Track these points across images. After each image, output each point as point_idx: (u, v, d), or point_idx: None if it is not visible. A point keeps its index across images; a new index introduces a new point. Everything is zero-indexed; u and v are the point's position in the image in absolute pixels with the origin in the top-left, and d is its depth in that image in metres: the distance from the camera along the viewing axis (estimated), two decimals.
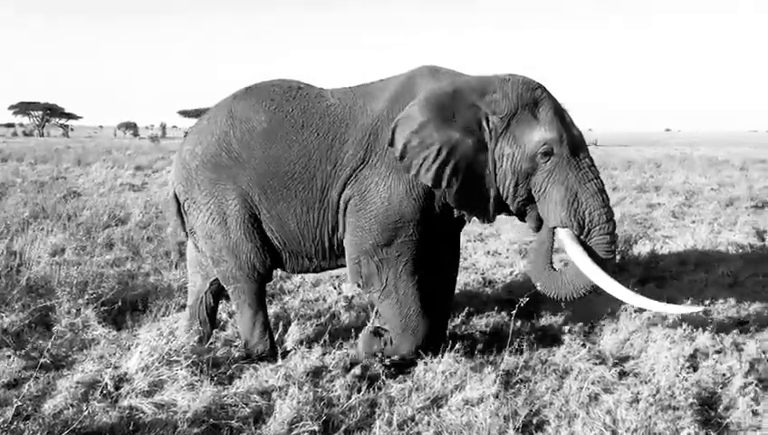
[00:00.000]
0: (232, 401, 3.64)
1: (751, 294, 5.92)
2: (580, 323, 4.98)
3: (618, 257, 3.77)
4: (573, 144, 3.77)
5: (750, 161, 24.39)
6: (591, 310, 5.35)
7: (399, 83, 4.21)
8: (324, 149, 4.09)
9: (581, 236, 3.77)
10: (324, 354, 4.35)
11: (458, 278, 5.33)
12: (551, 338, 4.86)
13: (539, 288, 3.92)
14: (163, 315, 5.12)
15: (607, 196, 3.81)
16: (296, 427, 3.39)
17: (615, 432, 3.35)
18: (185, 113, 57.31)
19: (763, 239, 7.43)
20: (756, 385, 3.86)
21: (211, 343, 4.55)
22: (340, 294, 5.87)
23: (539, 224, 3.94)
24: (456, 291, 5.99)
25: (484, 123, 3.80)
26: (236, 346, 4.67)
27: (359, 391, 3.80)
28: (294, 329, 4.85)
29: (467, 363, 4.14)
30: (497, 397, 3.65)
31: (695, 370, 4.19)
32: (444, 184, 3.79)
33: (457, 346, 4.27)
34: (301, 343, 4.61)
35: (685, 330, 4.65)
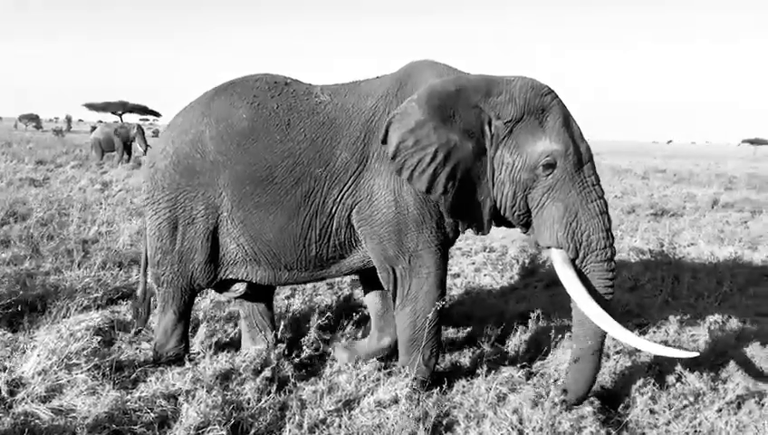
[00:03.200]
0: (136, 405, 3.50)
1: (650, 297, 6.23)
2: (491, 325, 5.08)
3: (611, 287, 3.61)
4: (579, 159, 3.51)
5: (651, 170, 25.68)
6: (502, 312, 5.49)
7: (396, 78, 3.93)
8: (313, 151, 3.77)
9: (577, 261, 3.54)
10: (234, 357, 4.24)
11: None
12: (462, 340, 4.94)
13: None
14: (63, 317, 4.86)
15: (609, 218, 3.57)
16: (204, 432, 3.28)
17: (521, 432, 3.42)
18: (91, 106, 54.93)
19: (662, 245, 7.82)
20: (653, 384, 4.03)
21: (112, 345, 4.37)
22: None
23: None
24: None
25: (486, 127, 3.53)
26: (143, 349, 4.50)
27: (269, 394, 3.73)
28: (203, 330, 4.73)
29: (381, 366, 4.14)
30: (409, 399, 3.67)
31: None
32: (438, 190, 3.52)
33: None
34: (210, 345, 4.48)
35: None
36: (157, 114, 62.62)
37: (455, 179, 3.53)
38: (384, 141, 3.59)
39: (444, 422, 3.61)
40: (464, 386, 4.03)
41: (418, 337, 3.90)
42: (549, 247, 3.60)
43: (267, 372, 3.92)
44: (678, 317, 5.30)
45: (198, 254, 3.98)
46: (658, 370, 4.32)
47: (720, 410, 3.80)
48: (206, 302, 5.65)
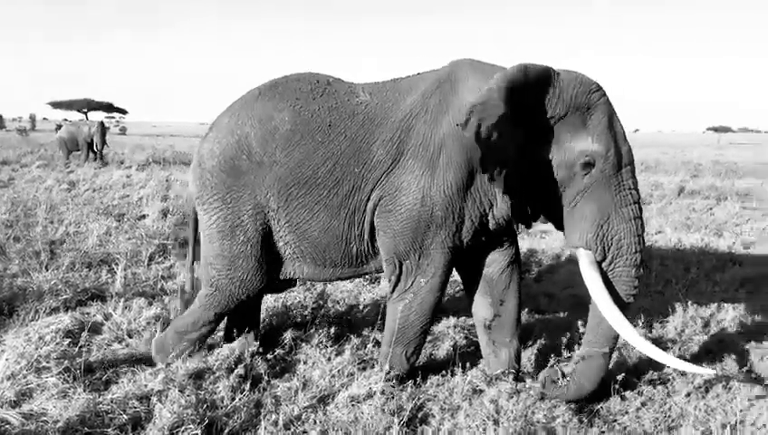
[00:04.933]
0: (108, 407, 3.46)
1: None
2: (464, 318, 5.11)
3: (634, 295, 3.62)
4: (619, 161, 3.47)
5: None
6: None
7: (438, 77, 3.89)
8: (353, 151, 3.80)
9: (603, 263, 3.53)
10: (207, 356, 4.21)
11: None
12: (436, 334, 4.96)
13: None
14: (32, 320, 4.78)
15: (643, 224, 3.54)
16: (178, 432, 3.26)
17: (497, 421, 3.46)
18: (56, 105, 53.98)
19: None
20: (625, 372, 4.09)
21: (82, 347, 4.30)
22: None
23: None
24: (343, 286, 6.03)
25: (538, 120, 3.50)
26: (114, 350, 4.45)
27: (243, 392, 3.72)
28: None
29: (356, 360, 4.14)
30: (383, 393, 3.68)
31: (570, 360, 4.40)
32: (500, 186, 3.54)
33: (347, 345, 4.28)
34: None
35: (561, 322, 4.88)
36: (123, 111, 61.69)
37: (508, 163, 3.48)
38: (464, 128, 3.44)
39: (419, 415, 3.63)
40: (438, 380, 4.05)
41: (407, 332, 3.91)
42: (577, 248, 3.58)
43: (240, 370, 3.91)
44: (648, 304, 5.40)
45: (249, 258, 3.98)
46: (629, 357, 4.39)
47: (689, 394, 3.89)
48: (178, 302, 5.58)
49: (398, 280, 3.89)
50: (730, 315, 5.32)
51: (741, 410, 3.63)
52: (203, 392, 3.70)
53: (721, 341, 4.82)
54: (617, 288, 3.53)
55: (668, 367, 4.13)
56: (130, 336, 4.66)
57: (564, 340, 4.53)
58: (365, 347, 4.46)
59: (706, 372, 3.58)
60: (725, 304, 5.62)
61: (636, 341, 3.47)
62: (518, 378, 4.04)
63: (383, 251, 3.90)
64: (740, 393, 3.89)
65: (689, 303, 5.43)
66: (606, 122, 3.47)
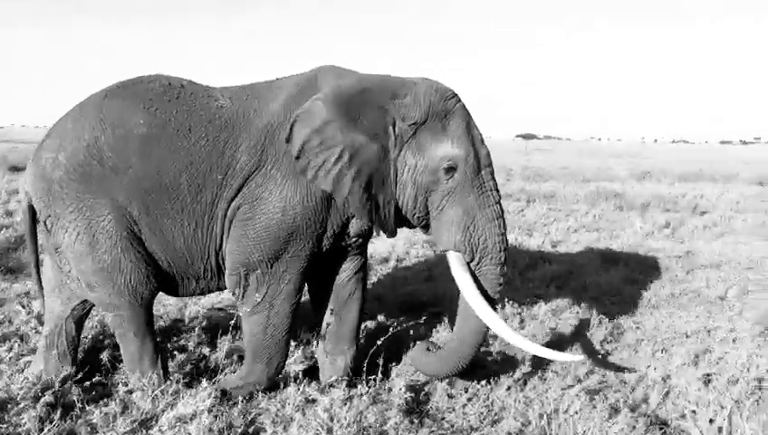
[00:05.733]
0: None
1: (444, 287, 6.51)
2: (304, 327, 5.04)
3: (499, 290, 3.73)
4: (479, 164, 3.55)
5: None
6: (306, 315, 5.45)
7: (299, 82, 3.78)
8: (215, 157, 3.58)
9: (471, 263, 3.59)
10: (10, 384, 3.77)
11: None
12: None
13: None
14: None
15: (505, 223, 3.64)
16: None
17: (331, 430, 3.42)
18: None
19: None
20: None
21: None
22: (29, 314, 5.16)
23: None
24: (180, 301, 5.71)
25: (391, 129, 3.49)
26: None
27: (51, 422, 3.36)
28: None
29: (181, 378, 3.91)
30: (211, 411, 3.50)
31: (399, 361, 4.48)
32: (344, 191, 3.46)
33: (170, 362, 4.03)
34: None
35: (390, 327, 4.94)
36: None
37: (360, 181, 3.47)
38: (288, 140, 3.47)
39: (250, 430, 3.50)
40: (272, 392, 3.94)
41: (268, 345, 3.78)
42: (447, 250, 3.61)
43: (49, 398, 3.53)
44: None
45: (125, 262, 3.61)
46: None
47: (509, 388, 4.11)
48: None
49: (246, 292, 3.73)
50: (543, 310, 5.70)
51: (555, 400, 3.88)
52: (5, 426, 3.30)
53: (535, 334, 5.14)
54: (484, 286, 3.62)
55: (492, 363, 4.36)
56: None
57: (396, 344, 4.60)
58: (190, 364, 4.22)
59: (576, 358, 3.91)
60: (539, 300, 6.02)
61: (508, 335, 3.61)
62: (352, 384, 4.04)
63: (228, 261, 3.73)
64: (554, 384, 4.18)
65: (506, 299, 5.72)
66: (464, 127, 3.55)
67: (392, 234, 3.76)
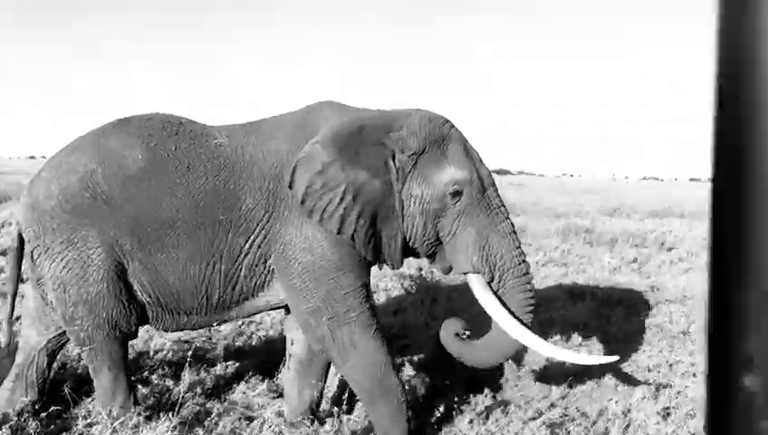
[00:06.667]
0: None
1: (413, 319, 6.57)
2: (262, 359, 5.02)
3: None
4: (483, 183, 3.57)
5: None
6: (273, 348, 5.45)
7: (297, 120, 3.78)
8: (215, 195, 3.57)
9: (494, 282, 3.56)
10: None
11: None
12: (231, 377, 4.81)
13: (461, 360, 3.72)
14: None
15: (518, 238, 3.64)
16: None
17: None
18: None
19: (420, 270, 8.34)
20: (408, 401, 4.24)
21: None
22: None
23: (449, 267, 3.69)
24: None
25: (391, 162, 3.51)
26: None
27: None
28: None
29: (142, 411, 3.87)
30: None
31: None
32: (350, 230, 3.44)
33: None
34: None
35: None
36: None
37: (365, 217, 3.48)
38: (291, 186, 3.48)
39: None
40: (237, 424, 3.92)
41: (378, 388, 3.65)
42: (466, 274, 3.61)
43: (5, 431, 3.48)
44: (436, 335, 5.66)
45: (109, 297, 3.58)
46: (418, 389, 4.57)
47: (471, 421, 4.13)
48: None
49: (325, 343, 3.66)
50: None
51: (516, 433, 3.92)
52: None
53: (501, 368, 5.18)
54: (514, 301, 3.57)
55: (455, 395, 4.38)
56: None
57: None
58: (153, 396, 4.19)
59: (611, 359, 3.83)
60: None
61: (547, 349, 3.65)
62: (318, 419, 4.04)
63: (297, 317, 3.73)
64: (516, 417, 4.22)
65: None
66: (463, 150, 3.59)
67: (399, 266, 3.75)
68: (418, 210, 3.54)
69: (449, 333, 3.73)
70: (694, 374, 5.27)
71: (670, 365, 5.51)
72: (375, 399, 3.65)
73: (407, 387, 4.17)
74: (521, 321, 3.55)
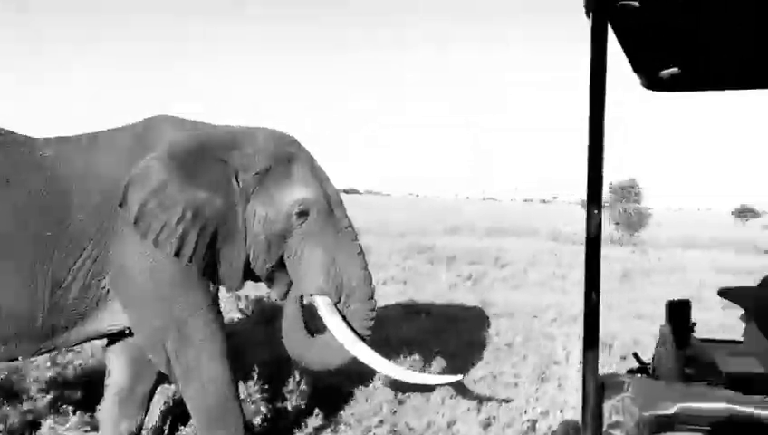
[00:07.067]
0: None
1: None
2: (77, 391, 4.67)
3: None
4: (331, 203, 3.53)
5: None
6: (92, 379, 5.09)
7: (135, 134, 3.54)
8: (39, 210, 3.25)
9: (339, 304, 3.52)
10: None
11: None
12: (41, 411, 4.42)
13: (299, 361, 3.66)
14: None
15: (365, 259, 3.61)
16: None
17: None
18: None
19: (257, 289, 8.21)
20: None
21: None
22: None
23: (286, 291, 3.60)
24: None
25: (234, 181, 3.37)
26: None
27: None
28: None
29: None
30: None
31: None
32: (188, 252, 3.24)
33: None
34: None
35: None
36: None
37: (205, 238, 3.30)
38: (122, 205, 3.21)
39: None
40: None
41: (218, 413, 3.45)
42: (312, 296, 3.52)
43: None
44: (273, 356, 5.58)
45: None
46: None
47: None
48: None
49: (170, 365, 3.42)
50: None
51: None
52: None
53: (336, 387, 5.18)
54: (354, 324, 3.55)
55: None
56: None
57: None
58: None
59: (453, 378, 3.97)
60: None
61: (392, 371, 3.67)
62: None
63: (141, 339, 3.49)
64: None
65: None
66: (309, 169, 3.55)
67: (238, 288, 3.63)
68: (262, 231, 3.45)
69: (293, 331, 3.65)
70: (515, 384, 5.58)
71: (494, 376, 5.79)
72: (213, 424, 3.52)
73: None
74: (366, 342, 3.58)
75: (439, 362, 6.20)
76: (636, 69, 1.80)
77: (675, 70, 1.74)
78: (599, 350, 1.32)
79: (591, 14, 1.29)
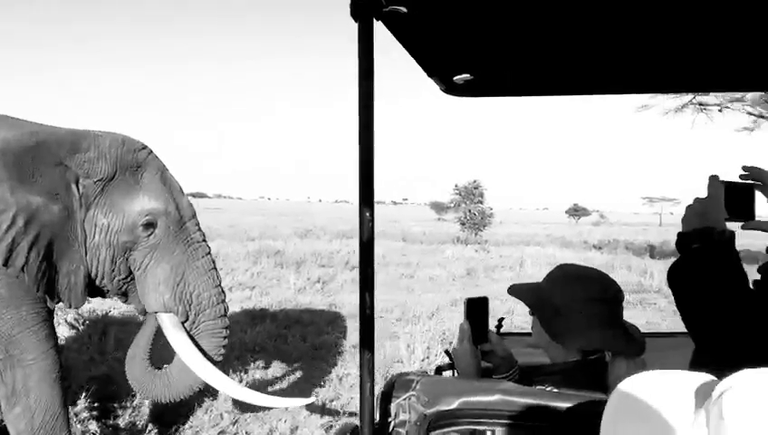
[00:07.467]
0: None
1: None
2: None
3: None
4: (182, 215, 3.32)
5: None
6: None
7: None
8: None
9: (187, 323, 3.32)
10: None
11: None
12: None
13: (138, 393, 3.39)
14: None
15: (218, 275, 3.43)
16: None
17: None
18: None
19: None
20: None
21: None
22: None
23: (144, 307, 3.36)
24: None
25: (74, 187, 3.09)
26: None
27: None
28: None
29: None
30: None
31: None
32: (19, 262, 2.92)
33: None
34: None
35: None
36: None
37: (39, 248, 2.96)
38: None
39: None
40: None
41: None
42: (156, 312, 3.28)
43: None
44: (102, 375, 5.27)
45: None
46: None
47: None
48: None
49: None
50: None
51: None
52: None
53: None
54: (205, 344, 3.38)
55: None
56: None
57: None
58: None
59: (303, 401, 3.87)
60: None
61: (238, 393, 3.55)
62: None
63: None
64: None
65: None
66: (159, 179, 3.34)
67: (80, 304, 3.26)
68: (104, 242, 3.21)
69: (137, 362, 3.44)
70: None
71: (340, 379, 5.81)
72: None
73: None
74: (213, 362, 3.42)
75: (283, 368, 6.14)
76: (429, 74, 1.82)
77: (467, 76, 1.80)
78: (374, 350, 1.36)
79: (359, 19, 1.30)
